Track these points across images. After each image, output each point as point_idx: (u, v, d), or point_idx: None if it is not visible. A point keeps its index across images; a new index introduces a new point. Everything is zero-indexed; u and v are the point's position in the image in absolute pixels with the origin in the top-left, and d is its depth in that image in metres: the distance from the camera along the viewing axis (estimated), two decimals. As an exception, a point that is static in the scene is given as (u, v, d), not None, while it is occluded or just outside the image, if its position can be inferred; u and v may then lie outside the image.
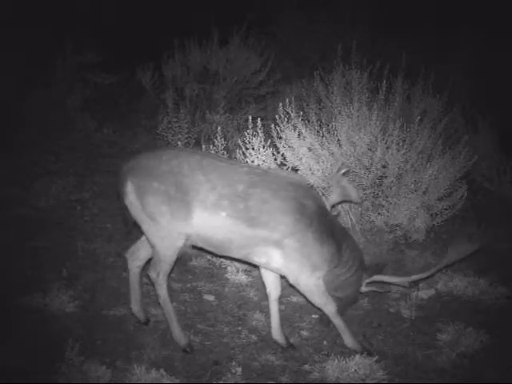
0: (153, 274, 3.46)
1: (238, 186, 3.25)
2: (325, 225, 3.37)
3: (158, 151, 3.47)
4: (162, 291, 3.45)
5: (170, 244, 3.36)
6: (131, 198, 3.34)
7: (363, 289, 3.64)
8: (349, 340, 3.50)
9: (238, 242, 3.31)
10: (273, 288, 3.60)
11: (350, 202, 4.04)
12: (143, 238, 3.63)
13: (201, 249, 3.57)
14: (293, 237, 3.27)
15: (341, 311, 3.55)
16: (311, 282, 3.39)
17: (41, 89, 6.65)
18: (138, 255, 3.65)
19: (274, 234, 3.26)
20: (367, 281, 3.59)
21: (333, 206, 3.80)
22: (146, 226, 3.37)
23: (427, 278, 3.72)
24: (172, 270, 4.21)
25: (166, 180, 3.26)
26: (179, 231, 3.31)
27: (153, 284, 3.50)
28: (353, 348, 3.48)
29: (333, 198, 3.70)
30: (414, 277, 3.56)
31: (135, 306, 3.66)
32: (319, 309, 3.56)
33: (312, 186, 3.66)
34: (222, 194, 3.23)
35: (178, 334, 3.46)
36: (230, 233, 3.28)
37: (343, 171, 3.72)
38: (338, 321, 3.49)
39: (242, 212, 3.23)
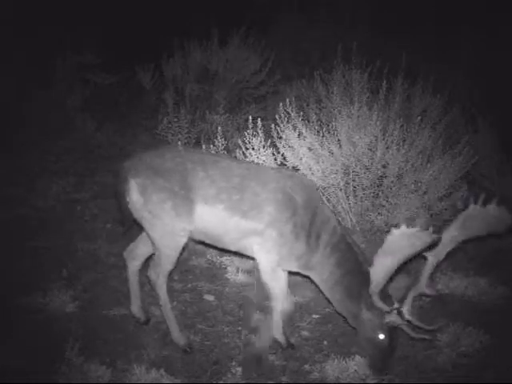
0: (153, 275, 3.44)
1: (234, 180, 3.31)
2: (305, 221, 3.33)
3: (160, 150, 3.49)
4: (162, 292, 3.45)
5: (172, 242, 3.36)
6: (134, 196, 3.33)
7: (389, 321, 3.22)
8: (281, 336, 3.47)
9: (233, 235, 3.35)
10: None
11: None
12: (141, 237, 3.62)
13: (201, 243, 3.58)
14: (272, 226, 3.29)
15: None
16: (270, 266, 3.37)
17: (41, 89, 6.64)
18: (136, 253, 3.64)
19: (261, 224, 3.30)
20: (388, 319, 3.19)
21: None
22: (148, 224, 3.36)
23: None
24: (172, 271, 4.24)
25: (170, 177, 3.28)
26: (182, 228, 3.32)
27: (152, 285, 3.49)
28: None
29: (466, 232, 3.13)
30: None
31: (135, 306, 3.66)
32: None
33: (309, 182, 3.58)
34: (220, 187, 3.29)
35: (178, 334, 3.46)
36: (226, 225, 3.32)
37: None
38: (275, 318, 3.45)
39: (237, 204, 3.29)
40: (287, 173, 3.54)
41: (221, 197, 3.29)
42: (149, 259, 3.60)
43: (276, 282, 3.43)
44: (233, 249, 3.50)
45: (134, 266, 3.65)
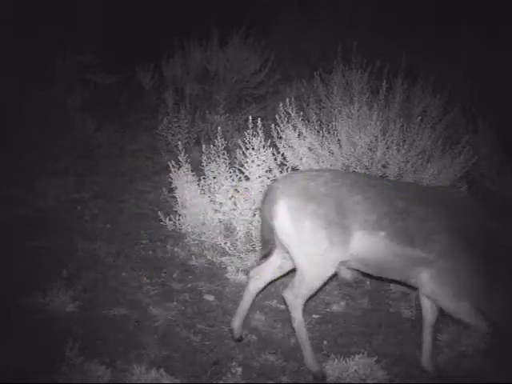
0: (289, 296, 3.25)
1: (397, 204, 3.10)
2: (480, 249, 3.12)
3: (311, 172, 3.31)
4: (298, 314, 3.26)
5: (321, 272, 3.17)
6: (283, 220, 3.12)
7: None
8: None
9: (395, 264, 3.15)
10: (429, 311, 3.39)
11: None
12: (272, 260, 3.42)
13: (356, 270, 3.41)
14: (445, 258, 3.09)
15: None
16: (461, 307, 3.17)
17: (41, 89, 6.64)
18: (262, 277, 3.45)
19: (430, 254, 3.10)
20: None
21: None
22: (296, 250, 3.16)
23: None
24: (174, 271, 4.24)
25: (325, 203, 3.07)
26: (335, 258, 3.12)
27: (287, 305, 3.32)
28: None
29: None
30: None
31: (236, 323, 3.50)
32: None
33: (472, 200, 3.37)
34: (381, 213, 3.08)
35: (311, 360, 3.28)
36: (387, 254, 3.12)
37: None
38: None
39: (401, 231, 3.08)
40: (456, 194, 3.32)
41: (382, 223, 3.07)
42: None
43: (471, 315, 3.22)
44: (394, 278, 3.32)
45: (255, 287, 3.47)
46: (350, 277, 3.95)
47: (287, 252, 3.27)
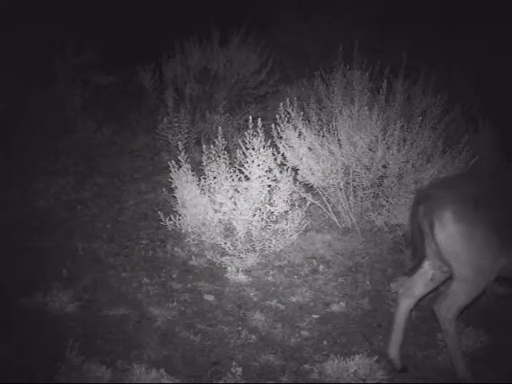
0: (443, 310, 3.11)
1: None
2: None
3: (466, 175, 3.20)
4: (451, 328, 3.13)
5: (485, 279, 3.06)
6: (450, 230, 2.95)
7: None
8: None
9: None
10: None
11: None
12: (422, 272, 3.25)
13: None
14: None
15: None
16: None
17: (41, 89, 6.64)
18: (413, 293, 3.30)
19: None
20: None
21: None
22: (462, 260, 2.99)
23: None
24: (174, 271, 4.24)
25: (495, 208, 2.95)
26: (501, 264, 2.99)
27: (440, 319, 3.17)
28: None
29: None
30: None
31: (393, 351, 3.34)
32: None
33: None
34: None
35: (464, 371, 3.16)
36: None
37: None
38: None
39: None
40: None
41: None
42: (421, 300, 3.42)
43: None
44: None
45: (407, 307, 3.32)
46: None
47: (443, 261, 3.12)
